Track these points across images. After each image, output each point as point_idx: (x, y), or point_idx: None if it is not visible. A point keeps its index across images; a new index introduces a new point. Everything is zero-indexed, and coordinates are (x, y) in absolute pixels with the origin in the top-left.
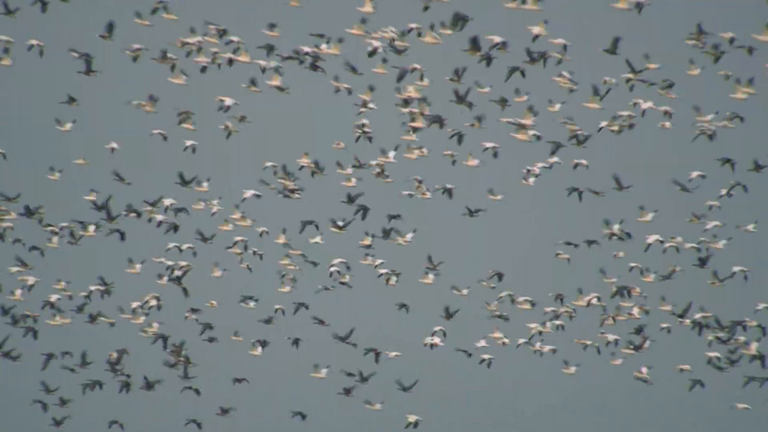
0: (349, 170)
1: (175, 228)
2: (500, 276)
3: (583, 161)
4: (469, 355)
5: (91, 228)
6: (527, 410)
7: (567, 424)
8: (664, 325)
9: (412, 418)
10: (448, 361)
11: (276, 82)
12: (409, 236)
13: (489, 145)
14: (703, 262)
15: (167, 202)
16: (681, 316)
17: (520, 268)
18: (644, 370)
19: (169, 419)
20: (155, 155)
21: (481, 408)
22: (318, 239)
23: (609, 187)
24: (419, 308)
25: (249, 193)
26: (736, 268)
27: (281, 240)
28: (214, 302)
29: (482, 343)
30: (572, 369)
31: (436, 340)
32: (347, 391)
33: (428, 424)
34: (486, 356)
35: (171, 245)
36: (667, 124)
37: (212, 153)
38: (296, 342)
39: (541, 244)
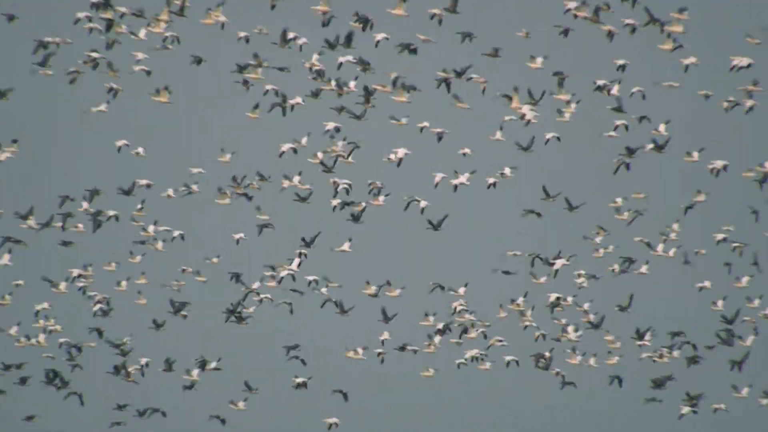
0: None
1: (99, 224)
2: (442, 287)
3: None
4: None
5: None
6: (527, 410)
7: (567, 424)
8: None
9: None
10: (447, 362)
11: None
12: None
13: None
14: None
15: (85, 205)
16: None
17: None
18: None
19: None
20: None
21: (481, 408)
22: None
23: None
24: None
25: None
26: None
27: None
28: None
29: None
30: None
31: (355, 353)
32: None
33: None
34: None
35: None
36: (614, 133)
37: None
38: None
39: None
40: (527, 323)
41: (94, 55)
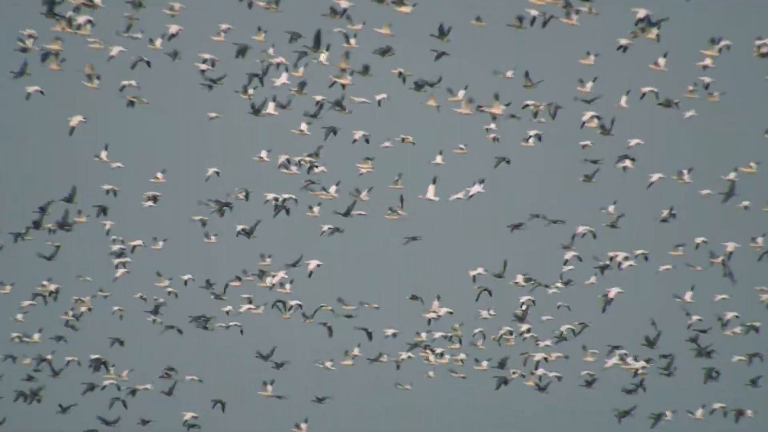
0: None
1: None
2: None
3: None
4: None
5: None
6: (527, 410)
7: (567, 424)
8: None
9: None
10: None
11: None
12: (313, 264)
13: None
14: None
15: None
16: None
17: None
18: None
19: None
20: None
21: (481, 408)
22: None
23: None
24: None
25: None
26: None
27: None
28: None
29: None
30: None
31: (327, 363)
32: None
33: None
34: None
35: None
36: (588, 142)
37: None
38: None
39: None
40: (501, 334)
41: (54, 47)
